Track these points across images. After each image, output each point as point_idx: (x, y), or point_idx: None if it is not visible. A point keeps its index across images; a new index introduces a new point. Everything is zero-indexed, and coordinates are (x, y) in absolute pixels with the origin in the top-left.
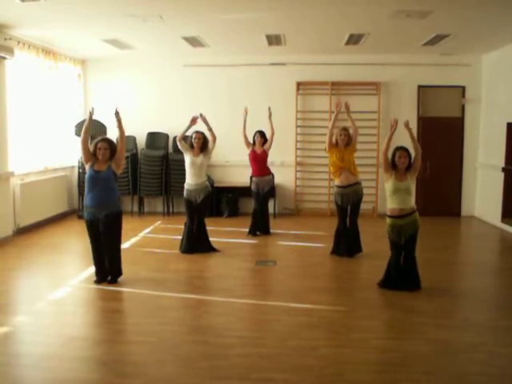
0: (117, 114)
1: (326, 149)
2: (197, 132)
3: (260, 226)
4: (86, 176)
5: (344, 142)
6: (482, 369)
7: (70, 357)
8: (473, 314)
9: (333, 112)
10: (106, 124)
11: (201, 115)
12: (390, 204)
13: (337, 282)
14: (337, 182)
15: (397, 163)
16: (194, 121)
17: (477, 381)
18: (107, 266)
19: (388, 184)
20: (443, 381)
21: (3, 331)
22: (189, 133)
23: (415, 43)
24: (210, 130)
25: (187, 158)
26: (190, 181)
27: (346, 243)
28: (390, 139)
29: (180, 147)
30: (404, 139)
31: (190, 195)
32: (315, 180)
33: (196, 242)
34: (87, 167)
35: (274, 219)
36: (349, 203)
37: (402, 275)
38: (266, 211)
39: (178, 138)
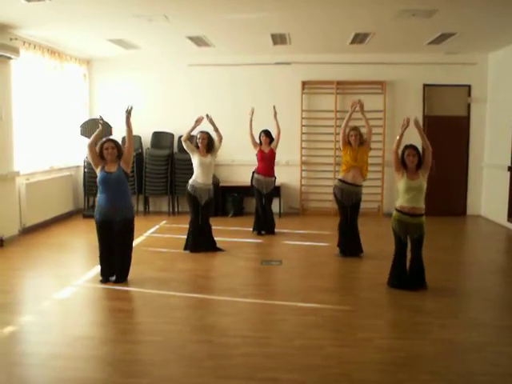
0: (128, 112)
1: (340, 147)
2: (201, 132)
3: (263, 226)
4: (98, 179)
5: (356, 142)
6: (487, 368)
7: (76, 356)
8: (478, 313)
9: (339, 111)
10: (111, 124)
11: (207, 116)
12: (402, 202)
13: (342, 282)
14: (341, 175)
15: (406, 162)
16: (199, 121)
17: (482, 381)
18: (117, 266)
19: (400, 183)
20: (448, 380)
21: (9, 330)
22: (194, 132)
23: (420, 42)
24: (217, 130)
25: (195, 159)
26: (199, 180)
27: (349, 243)
28: (400, 138)
29: (185, 148)
30: (413, 138)
31: (197, 192)
32: (320, 179)
33: (202, 241)
34: (98, 171)
35: (279, 218)
36: (347, 201)
37: (407, 274)
38: (270, 212)
39: (183, 139)
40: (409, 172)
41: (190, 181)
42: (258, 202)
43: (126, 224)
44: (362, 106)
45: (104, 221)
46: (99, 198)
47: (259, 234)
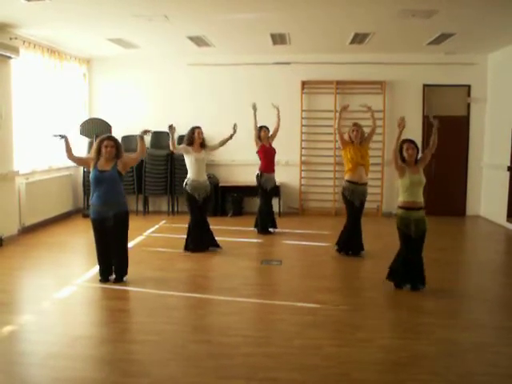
0: (142, 135)
1: (340, 147)
2: (199, 128)
3: (271, 223)
4: (91, 176)
5: (358, 138)
6: (487, 369)
7: (75, 356)
8: (479, 314)
9: (338, 111)
10: (110, 123)
11: (234, 128)
12: (405, 197)
13: (342, 281)
14: (349, 177)
15: (405, 156)
16: (172, 129)
17: (482, 381)
18: (114, 265)
19: (404, 180)
20: (449, 381)
21: (9, 330)
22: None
23: (420, 42)
24: (230, 139)
25: (190, 157)
26: (195, 177)
27: (355, 241)
28: (398, 138)
29: (179, 152)
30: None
31: (195, 191)
32: (320, 179)
33: (203, 239)
34: (91, 169)
35: (278, 218)
36: (357, 201)
37: (408, 271)
38: (271, 208)
39: (172, 149)
40: (410, 167)
41: (188, 181)
42: (265, 201)
43: (120, 218)
44: (368, 108)
45: (97, 219)
46: (91, 195)
47: (267, 232)
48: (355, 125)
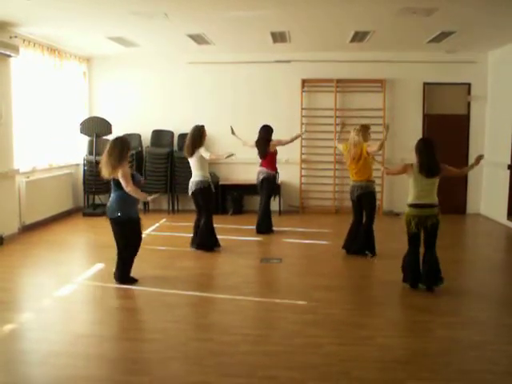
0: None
1: (367, 153)
2: (203, 126)
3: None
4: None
5: None
6: (487, 367)
7: (76, 354)
8: (478, 311)
9: (338, 109)
10: (110, 122)
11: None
12: None
13: (342, 280)
14: (372, 178)
15: None
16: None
17: (482, 378)
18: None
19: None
20: (449, 379)
21: (9, 328)
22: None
23: (420, 40)
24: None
25: (205, 157)
26: (208, 174)
27: (372, 242)
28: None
29: (209, 156)
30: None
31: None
32: (320, 177)
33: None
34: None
35: (278, 216)
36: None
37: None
38: None
39: (212, 158)
40: None
41: (206, 178)
42: (268, 201)
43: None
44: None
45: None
46: (129, 197)
47: (272, 231)
48: (369, 127)
